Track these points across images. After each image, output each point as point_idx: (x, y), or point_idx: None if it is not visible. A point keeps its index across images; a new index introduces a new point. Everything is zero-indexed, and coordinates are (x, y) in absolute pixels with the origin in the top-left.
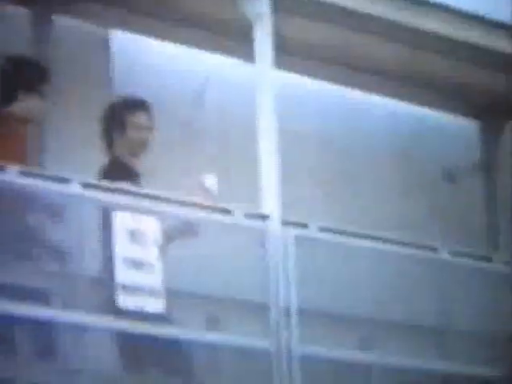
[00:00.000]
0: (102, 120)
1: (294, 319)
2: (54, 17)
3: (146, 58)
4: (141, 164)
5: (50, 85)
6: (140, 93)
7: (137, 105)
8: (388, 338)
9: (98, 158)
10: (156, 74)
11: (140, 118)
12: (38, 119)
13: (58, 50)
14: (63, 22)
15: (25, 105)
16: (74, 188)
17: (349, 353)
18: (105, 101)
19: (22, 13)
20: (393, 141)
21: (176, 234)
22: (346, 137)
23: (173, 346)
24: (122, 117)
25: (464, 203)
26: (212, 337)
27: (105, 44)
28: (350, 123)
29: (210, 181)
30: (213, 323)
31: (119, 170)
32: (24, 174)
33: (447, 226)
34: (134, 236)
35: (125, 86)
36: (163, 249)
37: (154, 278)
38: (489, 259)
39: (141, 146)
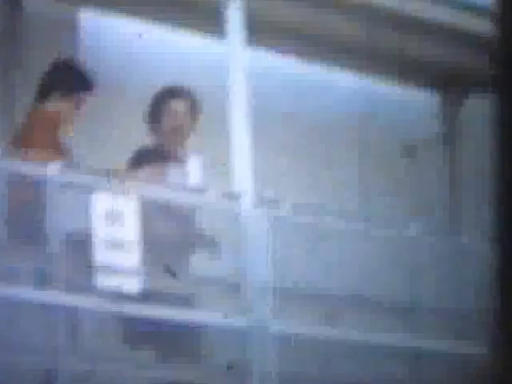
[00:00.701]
0: (147, 107)
1: (270, 297)
2: None
3: (114, 35)
4: (183, 151)
5: (89, 94)
6: (106, 70)
7: (175, 92)
8: (358, 313)
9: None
10: (124, 52)
11: (176, 105)
12: (64, 122)
13: (28, 28)
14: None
15: (54, 106)
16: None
17: (319, 329)
18: None
19: None
20: (353, 116)
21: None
22: (308, 112)
23: (151, 325)
24: (159, 105)
25: (426, 178)
26: (187, 314)
27: (74, 22)
28: (314, 98)
29: (194, 163)
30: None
31: (151, 155)
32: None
33: (410, 202)
34: (112, 216)
35: (92, 64)
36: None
37: (131, 258)
38: (456, 235)
39: (177, 133)
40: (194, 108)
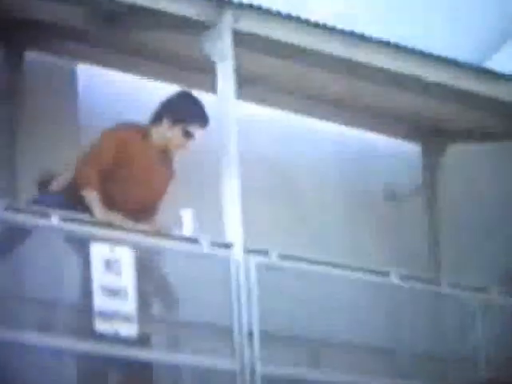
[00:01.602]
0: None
1: (256, 340)
2: (25, 52)
3: (111, 89)
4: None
5: (200, 127)
6: (106, 122)
7: (197, 118)
8: (341, 356)
9: None
10: (121, 106)
11: (195, 130)
12: (169, 150)
13: (28, 83)
14: (34, 57)
15: (162, 132)
16: (54, 221)
17: (302, 371)
18: (71, 130)
19: None
20: (338, 165)
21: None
22: (294, 161)
23: (143, 368)
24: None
25: (406, 224)
26: (179, 357)
27: (72, 77)
28: (299, 149)
29: (187, 215)
30: (177, 344)
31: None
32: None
33: (391, 248)
34: (110, 265)
35: (90, 116)
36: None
37: (128, 305)
38: (436, 282)
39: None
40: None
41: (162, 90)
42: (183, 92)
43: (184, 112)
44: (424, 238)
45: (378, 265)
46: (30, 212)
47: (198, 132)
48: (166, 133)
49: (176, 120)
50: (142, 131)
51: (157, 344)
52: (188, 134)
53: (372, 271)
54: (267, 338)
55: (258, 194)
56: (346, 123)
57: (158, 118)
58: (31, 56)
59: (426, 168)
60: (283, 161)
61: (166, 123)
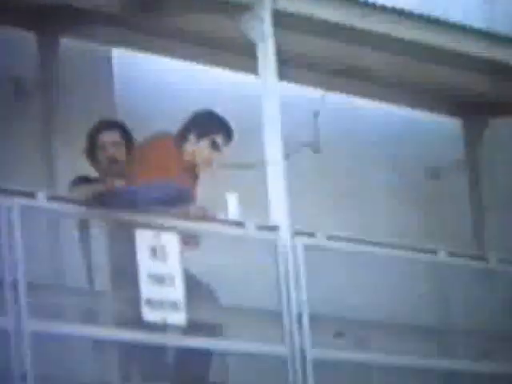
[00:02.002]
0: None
1: (306, 324)
2: (59, 39)
3: (150, 74)
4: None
5: (226, 142)
6: (142, 108)
7: (104, 125)
8: (389, 337)
9: None
10: (158, 90)
11: (105, 137)
12: (199, 165)
13: (63, 69)
14: (68, 43)
15: (189, 147)
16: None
17: (351, 354)
18: (108, 116)
19: (29, 36)
20: (381, 144)
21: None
22: (336, 141)
23: (192, 355)
24: (92, 140)
25: (449, 200)
26: (227, 344)
27: (108, 62)
28: (341, 128)
29: (232, 199)
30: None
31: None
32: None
33: (436, 226)
34: (155, 252)
35: (127, 102)
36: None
37: (175, 292)
38: (484, 258)
39: (112, 163)
40: (124, 138)
41: (202, 73)
42: (207, 110)
43: (209, 124)
44: (467, 215)
45: (423, 243)
46: (72, 201)
47: (224, 145)
48: (193, 147)
49: (202, 133)
50: (178, 144)
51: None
52: (215, 146)
53: (419, 249)
54: (315, 320)
55: (302, 175)
56: (388, 101)
57: (183, 135)
58: (66, 42)
59: (467, 143)
60: (326, 140)
61: (192, 138)
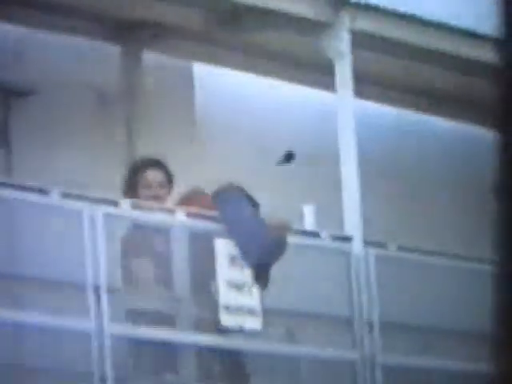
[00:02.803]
0: (124, 177)
1: (376, 331)
2: (142, 52)
3: (230, 88)
4: None
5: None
6: (221, 121)
7: (149, 163)
8: (453, 343)
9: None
10: (239, 104)
11: (152, 175)
12: None
13: (145, 82)
14: (151, 57)
15: None
16: (179, 216)
17: (420, 360)
18: (188, 129)
19: (113, 49)
20: (449, 160)
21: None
22: (406, 156)
23: (265, 360)
24: (133, 177)
25: None
26: (298, 349)
27: (189, 76)
28: (411, 144)
29: (309, 210)
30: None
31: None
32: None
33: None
34: (234, 260)
35: (207, 115)
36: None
37: (252, 299)
38: None
39: (155, 202)
40: (167, 178)
41: (280, 89)
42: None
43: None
44: None
45: (489, 255)
46: (154, 209)
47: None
48: None
49: None
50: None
51: (275, 336)
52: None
53: (485, 260)
54: (384, 327)
55: (374, 188)
56: (457, 118)
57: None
58: (149, 56)
59: None
60: (396, 156)
61: None
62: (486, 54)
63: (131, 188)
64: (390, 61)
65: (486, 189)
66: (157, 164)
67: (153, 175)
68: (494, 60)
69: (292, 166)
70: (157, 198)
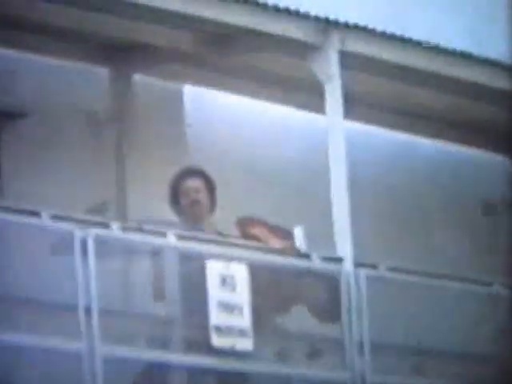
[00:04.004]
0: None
1: (367, 352)
2: (132, 75)
3: (220, 110)
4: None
5: None
6: (212, 143)
7: (187, 173)
8: (443, 364)
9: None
10: (230, 126)
11: (190, 183)
12: None
13: (136, 104)
14: (140, 79)
15: None
16: (170, 239)
17: (409, 380)
18: (179, 151)
19: (102, 72)
20: (438, 180)
21: None
22: (394, 176)
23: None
24: (176, 186)
25: (504, 235)
26: (289, 369)
27: (179, 99)
28: (399, 164)
29: (299, 232)
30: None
31: None
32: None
33: (489, 258)
34: (225, 281)
35: (198, 137)
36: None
37: (243, 320)
38: None
39: (194, 207)
40: (208, 184)
41: (270, 110)
42: None
43: None
44: None
45: (479, 275)
46: (145, 231)
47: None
48: None
49: None
50: None
51: (266, 356)
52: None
53: (475, 281)
54: (375, 348)
55: (364, 210)
56: (445, 139)
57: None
58: (139, 78)
59: None
60: (385, 176)
61: None
62: (477, 75)
63: (174, 198)
64: (380, 82)
65: (477, 210)
66: (193, 172)
67: (190, 183)
68: (483, 80)
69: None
70: (195, 202)
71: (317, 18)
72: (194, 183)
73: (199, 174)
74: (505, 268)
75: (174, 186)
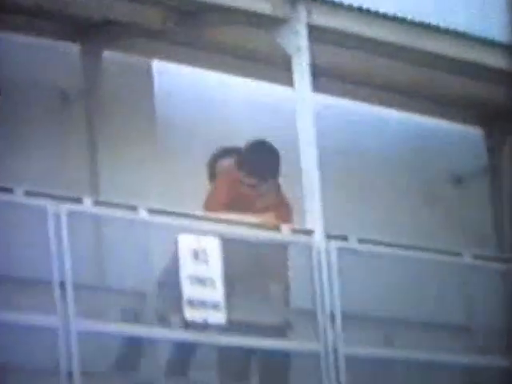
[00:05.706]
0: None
1: (338, 322)
2: (102, 51)
3: (189, 86)
4: None
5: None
6: (181, 119)
7: (222, 153)
8: (415, 334)
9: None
10: (198, 100)
11: (225, 162)
12: None
13: (106, 81)
14: (110, 56)
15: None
16: (142, 214)
17: (381, 350)
18: (148, 127)
19: (73, 48)
20: (406, 152)
21: None
22: (362, 149)
23: (235, 354)
24: (212, 166)
25: (472, 206)
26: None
27: (148, 74)
28: (368, 136)
29: None
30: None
31: None
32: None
33: (458, 229)
34: (197, 255)
35: (167, 113)
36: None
37: (216, 293)
38: (508, 260)
39: None
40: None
41: (239, 85)
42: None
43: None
44: (488, 220)
45: (448, 246)
46: (117, 206)
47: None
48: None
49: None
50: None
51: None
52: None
53: (445, 252)
54: (346, 319)
55: (332, 182)
56: (414, 111)
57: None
58: (109, 55)
59: (489, 151)
60: (353, 149)
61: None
62: (445, 47)
63: (212, 177)
64: (348, 55)
65: (447, 181)
66: (228, 152)
67: (226, 163)
68: (452, 52)
69: None
70: None
71: None
72: (227, 162)
73: (233, 152)
74: (474, 239)
75: (210, 166)
